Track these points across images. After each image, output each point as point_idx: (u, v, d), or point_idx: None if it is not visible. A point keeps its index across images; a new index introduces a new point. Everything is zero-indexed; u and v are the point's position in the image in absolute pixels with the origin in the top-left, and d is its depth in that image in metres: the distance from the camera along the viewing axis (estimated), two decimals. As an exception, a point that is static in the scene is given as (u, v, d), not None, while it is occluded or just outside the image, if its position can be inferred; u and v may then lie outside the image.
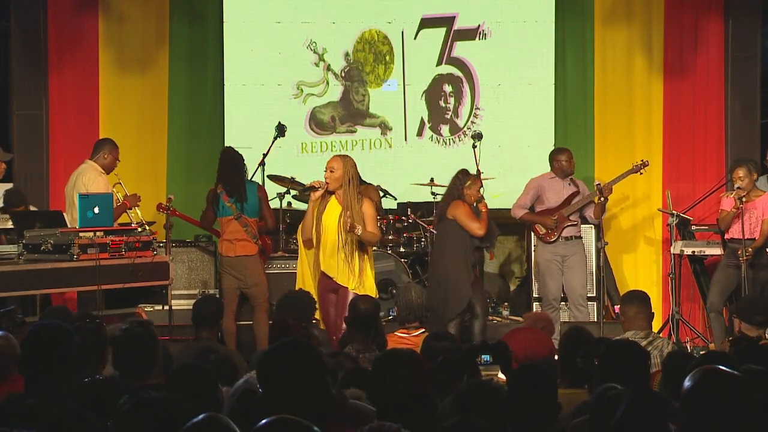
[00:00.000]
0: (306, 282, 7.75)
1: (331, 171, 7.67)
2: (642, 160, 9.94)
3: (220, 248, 9.00)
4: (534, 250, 9.99)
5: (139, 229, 8.46)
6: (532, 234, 9.98)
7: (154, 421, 3.18)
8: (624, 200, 10.82)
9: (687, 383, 3.24)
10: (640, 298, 6.90)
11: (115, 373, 4.59)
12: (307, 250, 7.80)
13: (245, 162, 9.14)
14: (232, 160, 9.06)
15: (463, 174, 8.93)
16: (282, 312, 6.75)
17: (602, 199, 9.40)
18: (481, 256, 8.94)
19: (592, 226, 9.90)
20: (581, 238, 9.77)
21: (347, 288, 7.54)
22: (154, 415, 3.20)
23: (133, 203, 8.75)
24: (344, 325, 7.39)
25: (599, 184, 9.49)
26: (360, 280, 7.58)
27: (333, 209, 7.65)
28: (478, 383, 3.97)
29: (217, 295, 9.77)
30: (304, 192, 7.70)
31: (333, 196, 7.68)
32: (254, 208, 8.92)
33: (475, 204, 8.77)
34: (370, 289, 7.61)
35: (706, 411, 3.17)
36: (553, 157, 9.89)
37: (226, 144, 10.86)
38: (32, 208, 9.32)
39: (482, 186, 8.96)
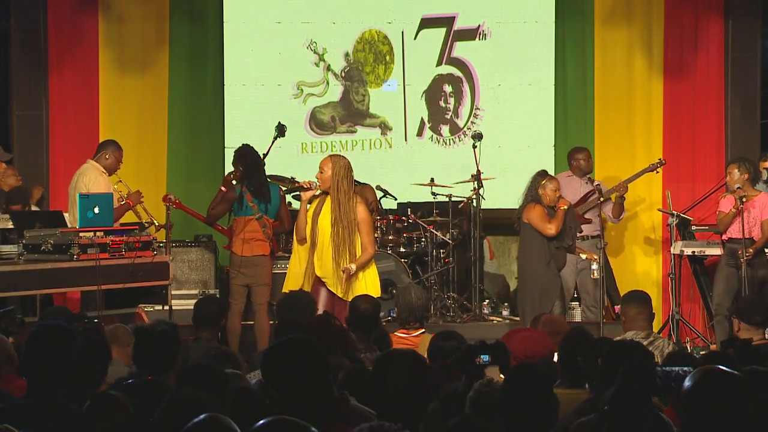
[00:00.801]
0: (294, 283, 7.62)
1: (321, 171, 7.56)
2: (659, 159, 10.02)
3: (234, 247, 8.90)
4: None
5: (146, 226, 8.47)
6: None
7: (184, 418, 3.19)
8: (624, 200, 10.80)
9: (687, 383, 3.24)
10: (640, 299, 6.91)
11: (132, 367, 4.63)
12: (300, 246, 7.68)
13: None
14: (255, 159, 9.03)
15: (538, 175, 8.97)
16: (282, 312, 6.71)
17: (601, 199, 9.39)
18: (563, 256, 8.88)
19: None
20: (597, 237, 9.75)
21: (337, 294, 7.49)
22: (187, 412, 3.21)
23: (136, 201, 8.74)
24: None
25: (599, 185, 9.51)
26: (350, 286, 7.51)
27: (328, 211, 7.57)
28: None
29: (218, 295, 9.78)
30: (292, 191, 7.59)
31: (329, 197, 7.60)
32: (275, 210, 8.90)
33: (554, 205, 8.77)
34: (374, 293, 7.50)
35: (707, 411, 3.17)
36: (571, 155, 9.97)
37: (227, 144, 10.90)
38: (34, 208, 9.32)
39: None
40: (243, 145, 9.25)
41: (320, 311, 7.37)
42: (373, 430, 3.09)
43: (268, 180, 9.07)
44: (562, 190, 9.70)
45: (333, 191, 7.50)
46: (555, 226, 8.72)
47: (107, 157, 8.74)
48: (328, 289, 7.56)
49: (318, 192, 7.66)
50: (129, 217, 8.84)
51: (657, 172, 10.04)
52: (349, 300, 7.33)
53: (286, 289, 7.56)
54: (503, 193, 11.02)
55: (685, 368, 3.86)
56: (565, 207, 8.79)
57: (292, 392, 3.58)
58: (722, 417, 3.16)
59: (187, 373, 3.97)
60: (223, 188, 9.10)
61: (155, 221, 8.74)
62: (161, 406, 3.32)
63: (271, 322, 8.59)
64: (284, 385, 3.58)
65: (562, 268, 8.93)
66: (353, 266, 7.45)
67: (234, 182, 8.99)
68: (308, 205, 7.71)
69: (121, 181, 8.89)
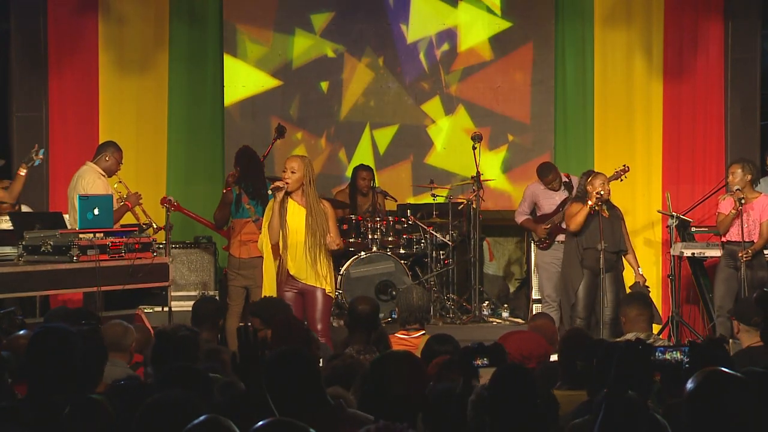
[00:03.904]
0: (271, 289, 7.59)
1: (293, 172, 7.50)
2: (623, 166, 9.54)
3: (232, 249, 8.91)
4: (534, 252, 10.03)
5: (144, 227, 8.46)
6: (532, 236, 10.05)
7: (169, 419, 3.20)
8: (623, 202, 10.79)
9: (690, 385, 3.27)
10: (641, 300, 6.92)
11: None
12: (274, 256, 7.59)
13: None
14: (253, 161, 9.02)
15: (584, 174, 9.02)
16: (258, 317, 6.65)
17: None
18: (594, 258, 8.70)
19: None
20: None
21: (316, 289, 7.50)
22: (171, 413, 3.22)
23: (135, 202, 8.70)
24: (319, 326, 7.40)
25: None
26: (328, 280, 7.55)
27: (295, 211, 7.50)
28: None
29: (217, 297, 9.77)
30: (272, 193, 7.54)
31: (290, 197, 7.52)
32: None
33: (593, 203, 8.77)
34: (332, 289, 7.64)
35: (710, 412, 3.20)
36: (538, 174, 9.89)
37: (226, 146, 10.90)
38: (25, 209, 9.30)
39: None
40: (243, 146, 9.26)
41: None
42: (380, 430, 3.09)
43: (267, 183, 9.07)
44: (538, 198, 9.78)
45: (305, 191, 7.49)
46: (573, 222, 8.75)
47: (107, 158, 8.70)
48: (298, 289, 7.53)
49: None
50: (127, 219, 8.82)
51: (621, 179, 9.48)
52: (328, 291, 7.48)
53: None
54: (503, 195, 11.06)
55: (678, 356, 3.85)
56: (591, 203, 8.71)
57: (287, 402, 3.64)
58: (725, 418, 3.18)
59: (169, 374, 3.97)
60: (224, 191, 9.13)
61: (154, 223, 8.72)
62: (140, 407, 3.32)
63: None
64: (279, 395, 3.64)
65: (600, 272, 8.73)
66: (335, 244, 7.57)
67: (232, 184, 9.00)
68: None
69: (120, 181, 8.86)
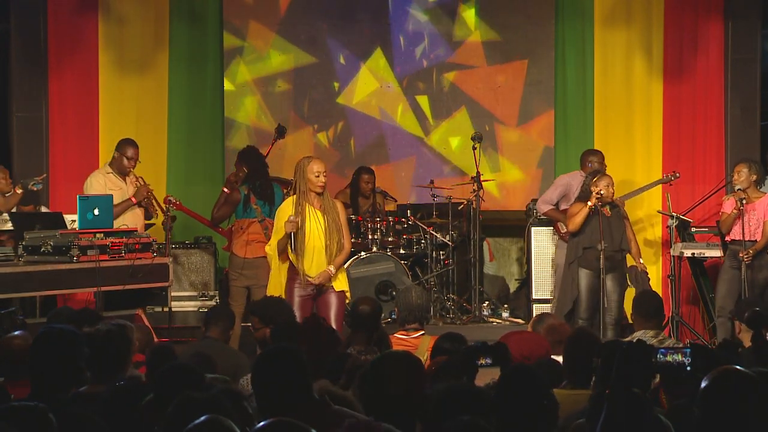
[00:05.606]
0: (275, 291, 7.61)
1: (325, 175, 7.59)
2: (673, 172, 10.01)
3: (236, 249, 8.90)
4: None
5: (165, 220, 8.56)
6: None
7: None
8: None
9: (704, 382, 3.31)
10: (651, 298, 6.92)
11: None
12: (282, 260, 7.61)
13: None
14: (261, 161, 9.02)
15: (590, 174, 8.89)
16: (257, 316, 6.65)
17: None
18: (594, 258, 8.61)
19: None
20: None
21: (331, 289, 7.53)
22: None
23: (140, 197, 8.74)
24: (334, 327, 7.40)
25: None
26: (342, 280, 7.62)
27: (313, 216, 7.51)
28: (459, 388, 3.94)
29: (218, 297, 9.78)
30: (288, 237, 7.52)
31: (307, 202, 7.53)
32: None
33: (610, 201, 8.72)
34: (344, 288, 7.68)
35: (723, 410, 3.24)
36: (585, 158, 9.72)
37: (226, 146, 10.90)
38: (43, 209, 9.35)
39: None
40: (247, 146, 9.27)
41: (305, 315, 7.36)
42: (353, 427, 3.12)
43: (273, 183, 9.07)
44: (572, 189, 9.46)
45: (326, 192, 7.55)
46: (572, 222, 8.66)
47: (114, 156, 8.88)
48: (312, 290, 7.54)
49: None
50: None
51: (671, 184, 9.98)
52: (345, 290, 7.54)
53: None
54: (503, 195, 11.06)
55: (679, 358, 3.86)
56: (591, 204, 8.65)
57: (277, 397, 3.74)
58: (738, 416, 3.22)
59: (167, 374, 3.97)
60: (225, 189, 9.09)
61: (164, 214, 8.79)
62: (171, 406, 3.34)
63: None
64: (270, 390, 3.75)
65: (601, 272, 8.59)
66: (332, 267, 7.54)
67: (236, 183, 8.98)
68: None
69: (136, 177, 8.90)
